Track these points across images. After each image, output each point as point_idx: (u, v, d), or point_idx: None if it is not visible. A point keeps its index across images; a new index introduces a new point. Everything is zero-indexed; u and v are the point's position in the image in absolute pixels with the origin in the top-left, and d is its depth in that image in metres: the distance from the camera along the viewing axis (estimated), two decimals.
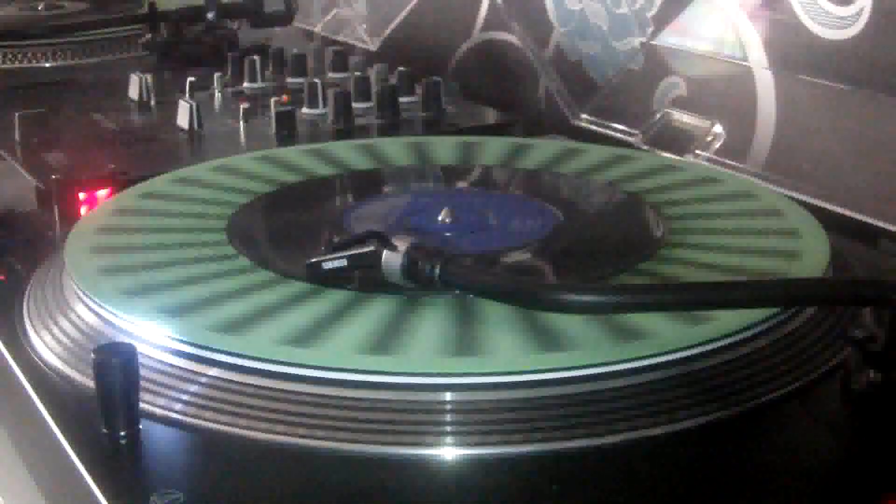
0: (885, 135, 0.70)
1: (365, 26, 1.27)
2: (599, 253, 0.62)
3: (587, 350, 0.47)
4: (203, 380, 0.48)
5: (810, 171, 0.74)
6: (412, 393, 0.46)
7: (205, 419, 0.46)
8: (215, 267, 0.57)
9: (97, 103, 0.98)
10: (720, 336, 0.49)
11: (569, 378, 0.46)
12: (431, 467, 0.43)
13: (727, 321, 0.49)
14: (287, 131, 0.87)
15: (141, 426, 0.45)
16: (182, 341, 0.49)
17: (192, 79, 0.97)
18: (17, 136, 0.86)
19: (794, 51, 0.77)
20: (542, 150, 0.77)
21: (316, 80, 0.94)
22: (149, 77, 0.99)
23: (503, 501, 0.42)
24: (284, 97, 0.92)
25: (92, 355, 0.44)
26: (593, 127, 0.93)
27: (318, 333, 0.49)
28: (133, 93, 0.99)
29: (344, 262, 0.53)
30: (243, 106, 0.91)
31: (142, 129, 0.91)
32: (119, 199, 0.68)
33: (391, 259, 0.51)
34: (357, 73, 0.98)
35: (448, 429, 0.45)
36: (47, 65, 1.18)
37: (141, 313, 0.51)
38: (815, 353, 0.50)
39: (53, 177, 0.73)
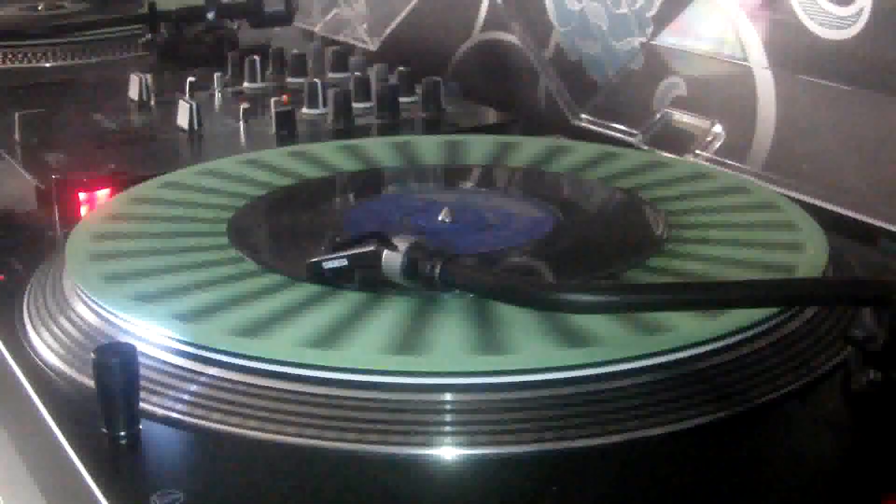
0: (885, 135, 0.70)
1: (365, 26, 1.27)
2: (602, 251, 0.62)
3: (588, 349, 0.47)
4: (203, 379, 0.48)
5: (810, 171, 0.74)
6: (409, 393, 0.46)
7: (205, 419, 0.46)
8: (214, 266, 0.57)
9: (97, 103, 0.98)
10: (719, 336, 0.49)
11: (570, 378, 0.46)
12: (430, 467, 0.43)
13: (726, 321, 0.49)
14: (287, 131, 0.87)
15: (141, 426, 0.45)
16: (181, 341, 0.49)
17: (192, 79, 0.97)
18: (17, 136, 0.86)
19: (794, 51, 0.77)
20: (529, 148, 0.77)
21: (316, 80, 0.94)
22: (149, 77, 0.99)
23: (503, 501, 0.42)
24: (284, 97, 0.92)
25: (92, 355, 0.44)
26: (593, 127, 0.93)
27: (321, 334, 0.48)
28: (133, 93, 0.99)
29: (344, 262, 0.53)
30: (243, 106, 0.91)
31: (142, 129, 0.91)
32: (117, 202, 0.68)
33: (391, 259, 0.51)
34: (357, 73, 0.98)
35: (447, 429, 0.45)
36: (47, 65, 1.18)
37: (141, 313, 0.51)
38: (815, 353, 0.50)
39: (53, 177, 0.73)
